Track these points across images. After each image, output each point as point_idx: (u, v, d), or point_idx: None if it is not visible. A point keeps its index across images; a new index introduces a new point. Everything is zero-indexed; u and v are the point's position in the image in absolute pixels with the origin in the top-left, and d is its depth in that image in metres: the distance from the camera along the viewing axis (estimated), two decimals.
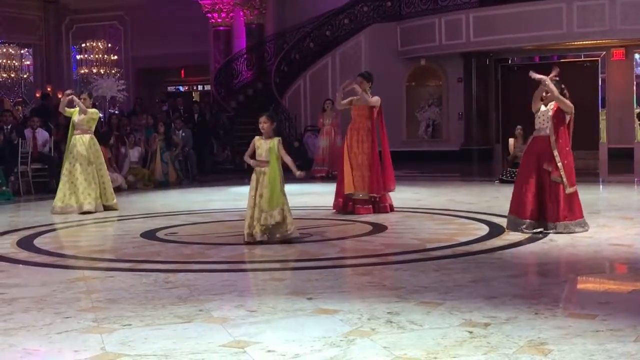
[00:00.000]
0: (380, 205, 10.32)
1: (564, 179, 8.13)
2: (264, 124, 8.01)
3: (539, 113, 8.36)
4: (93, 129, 11.47)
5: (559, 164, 8.13)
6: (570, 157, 8.27)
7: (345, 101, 10.58)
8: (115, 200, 11.61)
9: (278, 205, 7.87)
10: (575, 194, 8.26)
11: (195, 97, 26.58)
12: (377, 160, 10.34)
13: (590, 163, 18.35)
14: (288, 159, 8.02)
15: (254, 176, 8.03)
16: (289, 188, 8.29)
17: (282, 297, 5.54)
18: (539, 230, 8.17)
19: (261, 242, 7.87)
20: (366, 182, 10.24)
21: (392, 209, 10.39)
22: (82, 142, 11.23)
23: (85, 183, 11.13)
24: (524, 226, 8.20)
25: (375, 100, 10.38)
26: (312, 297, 5.47)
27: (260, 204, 7.88)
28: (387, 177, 10.46)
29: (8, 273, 6.79)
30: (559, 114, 8.25)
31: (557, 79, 8.37)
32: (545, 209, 8.19)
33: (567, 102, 8.25)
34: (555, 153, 8.14)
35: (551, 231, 8.11)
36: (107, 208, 11.38)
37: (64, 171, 11.31)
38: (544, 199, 8.19)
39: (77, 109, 11.36)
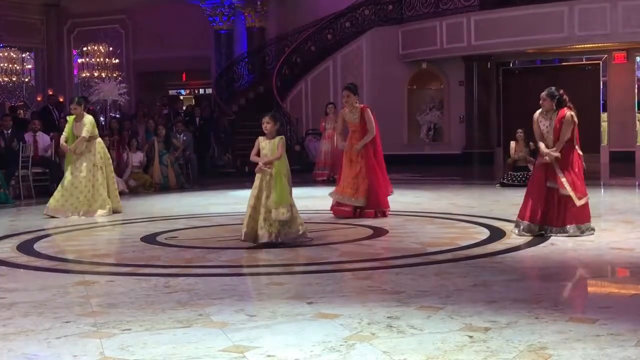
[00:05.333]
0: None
1: (572, 193, 8.13)
2: (267, 124, 8.01)
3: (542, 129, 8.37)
4: (96, 132, 11.47)
5: (563, 179, 8.12)
6: (575, 170, 8.25)
7: (340, 126, 10.86)
8: (120, 203, 11.72)
9: (287, 202, 7.86)
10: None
11: (188, 101, 26.50)
12: (376, 170, 10.31)
13: (591, 166, 18.31)
14: (277, 154, 7.91)
15: (258, 176, 7.99)
16: None
17: (282, 301, 5.52)
18: (538, 233, 8.19)
19: (268, 245, 7.82)
20: (361, 191, 10.19)
21: (380, 214, 10.26)
22: (88, 150, 11.25)
23: (93, 189, 11.16)
24: (522, 227, 8.22)
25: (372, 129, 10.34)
26: (312, 301, 5.46)
27: (267, 204, 7.85)
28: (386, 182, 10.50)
29: (8, 277, 6.78)
30: (557, 130, 8.23)
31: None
32: (552, 213, 8.18)
33: (568, 130, 8.22)
34: (558, 170, 8.15)
35: (557, 234, 8.11)
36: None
37: (65, 177, 11.35)
38: (551, 204, 8.19)
39: (73, 117, 11.41)
